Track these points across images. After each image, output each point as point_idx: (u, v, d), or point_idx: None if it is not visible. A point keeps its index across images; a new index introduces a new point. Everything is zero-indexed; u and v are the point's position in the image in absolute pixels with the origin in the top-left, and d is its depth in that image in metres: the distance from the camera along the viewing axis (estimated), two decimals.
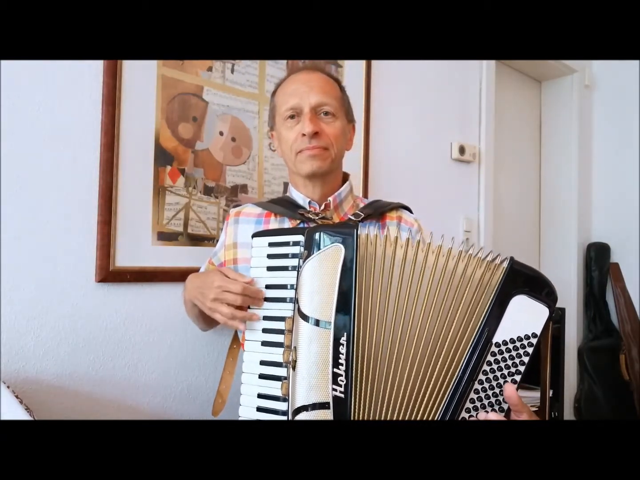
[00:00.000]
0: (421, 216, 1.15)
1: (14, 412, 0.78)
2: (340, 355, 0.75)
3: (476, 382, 0.75)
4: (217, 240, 1.17)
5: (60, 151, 1.10)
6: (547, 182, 2.69)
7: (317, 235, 0.79)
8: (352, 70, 1.63)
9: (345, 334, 0.75)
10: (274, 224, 1.05)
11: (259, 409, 0.82)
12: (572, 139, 2.58)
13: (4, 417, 0.74)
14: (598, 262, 2.55)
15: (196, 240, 1.29)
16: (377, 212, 1.06)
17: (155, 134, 1.22)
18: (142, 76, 1.20)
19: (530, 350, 0.75)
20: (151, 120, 1.22)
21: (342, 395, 0.74)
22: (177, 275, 1.25)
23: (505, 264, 0.78)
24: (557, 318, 0.78)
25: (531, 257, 2.64)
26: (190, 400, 1.30)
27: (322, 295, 0.77)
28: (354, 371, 0.75)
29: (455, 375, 0.76)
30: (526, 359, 0.75)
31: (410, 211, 1.13)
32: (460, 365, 0.76)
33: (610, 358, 2.47)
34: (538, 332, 0.76)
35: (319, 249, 0.78)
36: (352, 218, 1.01)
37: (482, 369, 0.75)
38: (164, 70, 1.24)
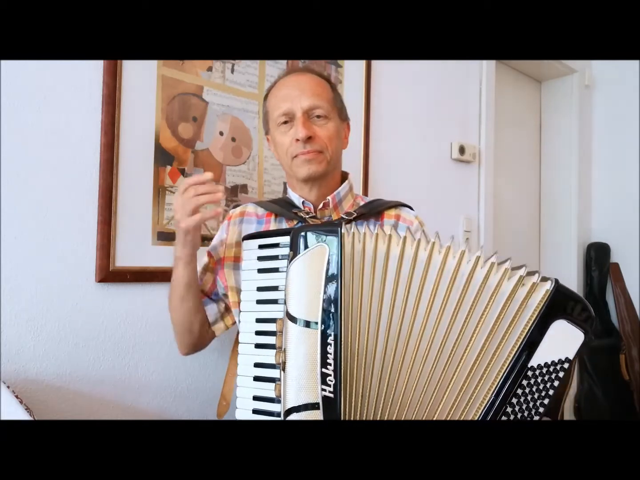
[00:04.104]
0: (421, 216, 1.14)
1: (14, 412, 0.78)
2: (329, 355, 0.74)
3: (508, 406, 0.74)
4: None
5: (60, 151, 1.10)
6: (547, 182, 2.69)
7: (302, 236, 0.79)
8: (352, 70, 1.63)
9: (332, 333, 0.74)
10: (273, 224, 1.05)
11: (255, 411, 0.81)
12: (572, 139, 2.58)
13: (4, 417, 0.74)
14: (598, 262, 2.55)
15: None
16: (373, 210, 1.05)
17: (155, 134, 1.22)
18: (142, 76, 1.20)
19: (561, 375, 0.74)
20: (151, 120, 1.22)
21: (332, 395, 0.74)
22: None
23: (548, 286, 0.74)
24: (591, 344, 0.77)
25: (531, 257, 2.64)
26: (190, 400, 1.30)
27: (308, 295, 0.76)
28: (342, 371, 0.74)
29: (488, 398, 0.74)
30: (556, 383, 0.74)
31: (411, 208, 1.12)
32: (495, 386, 0.74)
33: (610, 358, 2.47)
34: (571, 357, 0.74)
35: (305, 249, 0.78)
36: (345, 217, 1.01)
37: (515, 392, 0.74)
38: (164, 70, 1.24)
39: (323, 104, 1.00)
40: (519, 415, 0.74)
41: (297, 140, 0.97)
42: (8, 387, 0.94)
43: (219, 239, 1.12)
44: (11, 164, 1.04)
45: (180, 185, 0.91)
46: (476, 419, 0.75)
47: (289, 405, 0.75)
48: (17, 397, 0.90)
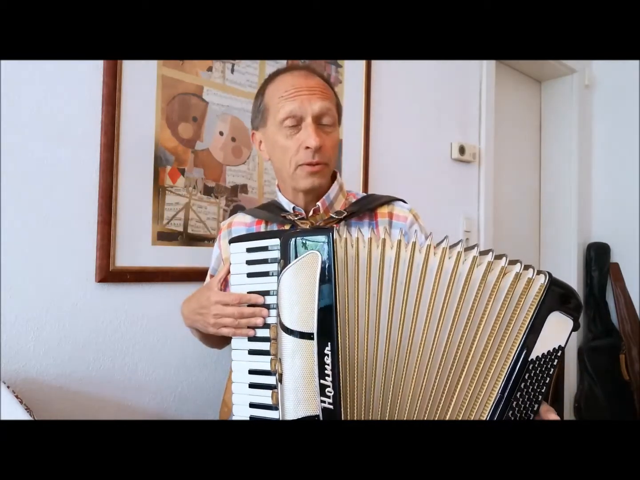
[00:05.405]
0: (420, 215, 1.14)
1: (14, 412, 0.78)
2: (326, 366, 0.72)
3: (513, 401, 0.74)
4: (214, 250, 1.13)
5: (60, 151, 1.10)
6: (547, 182, 2.69)
7: (291, 243, 0.75)
8: (352, 70, 1.63)
9: (329, 343, 0.72)
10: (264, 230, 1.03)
11: (252, 419, 0.80)
12: (572, 139, 2.58)
13: (4, 417, 0.74)
14: (598, 262, 2.55)
15: (196, 240, 1.29)
16: (364, 208, 1.01)
17: (155, 133, 1.22)
18: (142, 76, 1.20)
19: (555, 362, 0.75)
20: (151, 120, 1.22)
21: (332, 407, 0.72)
22: (177, 275, 1.25)
23: (543, 280, 0.75)
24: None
25: (531, 257, 2.64)
26: (190, 400, 1.30)
27: (301, 306, 0.74)
28: (341, 381, 0.73)
29: (495, 396, 0.74)
30: (552, 371, 0.75)
31: (404, 202, 1.07)
32: (500, 385, 0.74)
33: (610, 358, 2.47)
34: (563, 345, 0.75)
35: (295, 257, 0.75)
36: (334, 217, 0.98)
37: (519, 386, 0.74)
38: (164, 70, 1.24)
39: (332, 111, 0.97)
40: (522, 407, 0.75)
41: (307, 147, 0.93)
42: (8, 387, 0.94)
43: (214, 256, 1.10)
44: (11, 164, 1.04)
45: (237, 296, 0.83)
46: (485, 418, 0.75)
47: (288, 418, 0.74)
48: (17, 397, 0.90)
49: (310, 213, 1.00)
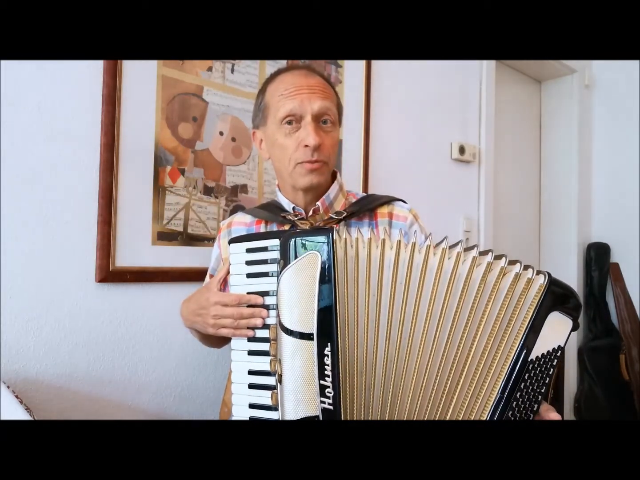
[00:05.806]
0: (420, 215, 1.14)
1: (14, 412, 0.78)
2: (326, 367, 0.72)
3: (513, 401, 0.75)
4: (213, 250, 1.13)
5: (60, 151, 1.10)
6: (547, 181, 2.69)
7: (291, 244, 0.75)
8: (352, 70, 1.63)
9: (329, 344, 0.72)
10: (264, 230, 1.03)
11: (252, 420, 0.80)
12: (572, 139, 2.59)
13: (4, 417, 0.74)
14: (598, 262, 2.55)
15: (196, 240, 1.29)
16: (364, 208, 1.01)
17: (155, 134, 1.22)
18: (142, 76, 1.21)
19: (555, 362, 0.75)
20: (151, 120, 1.22)
21: (331, 407, 0.72)
22: (177, 275, 1.25)
23: (542, 280, 0.75)
24: (577, 328, 0.79)
25: (531, 257, 2.64)
26: (190, 400, 1.30)
27: (301, 306, 0.74)
28: (341, 382, 0.73)
29: (495, 396, 0.75)
30: (552, 371, 0.75)
31: (404, 202, 1.07)
32: (500, 385, 0.75)
33: (610, 358, 2.47)
34: (563, 345, 0.76)
35: (295, 258, 0.75)
36: (334, 217, 0.98)
37: (519, 387, 0.75)
38: (164, 70, 1.24)
39: (332, 110, 0.97)
40: (522, 407, 0.75)
41: (306, 146, 0.93)
42: (8, 387, 0.94)
43: (214, 256, 1.10)
44: (11, 164, 1.04)
45: (236, 297, 0.83)
46: (485, 418, 0.75)
47: (288, 419, 0.74)
48: (17, 397, 0.90)
49: (310, 213, 1.00)
